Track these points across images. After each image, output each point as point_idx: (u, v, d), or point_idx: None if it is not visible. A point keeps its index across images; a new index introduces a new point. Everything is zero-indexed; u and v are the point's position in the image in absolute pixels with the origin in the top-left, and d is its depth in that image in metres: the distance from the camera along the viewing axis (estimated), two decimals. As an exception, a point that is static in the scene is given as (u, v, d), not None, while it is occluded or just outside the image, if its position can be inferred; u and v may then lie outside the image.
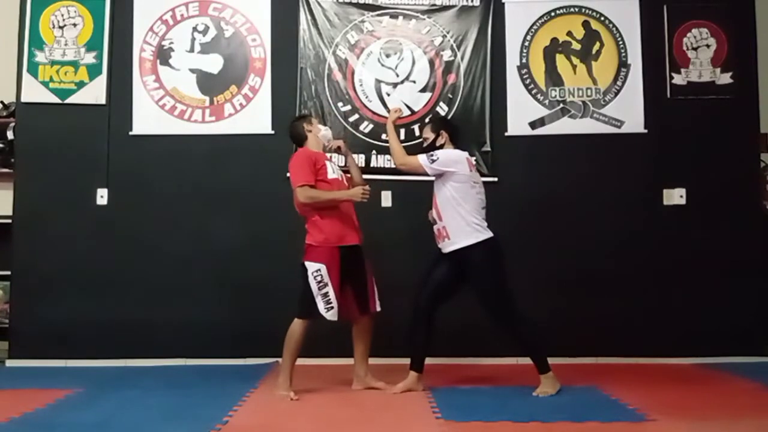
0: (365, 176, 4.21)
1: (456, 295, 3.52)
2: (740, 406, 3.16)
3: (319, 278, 3.34)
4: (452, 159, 3.48)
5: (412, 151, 4.05)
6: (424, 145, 3.67)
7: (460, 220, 3.41)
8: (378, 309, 3.54)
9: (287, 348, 3.37)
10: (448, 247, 3.46)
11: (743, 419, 2.89)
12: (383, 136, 4.33)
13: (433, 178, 3.53)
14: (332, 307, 3.33)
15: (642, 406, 3.05)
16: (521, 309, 3.45)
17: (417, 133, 4.31)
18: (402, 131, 4.32)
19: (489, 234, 3.45)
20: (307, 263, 3.38)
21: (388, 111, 4.35)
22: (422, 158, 3.49)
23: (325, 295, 3.33)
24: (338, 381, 3.66)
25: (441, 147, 3.59)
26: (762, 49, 4.43)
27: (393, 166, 4.29)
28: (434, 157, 3.46)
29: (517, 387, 3.53)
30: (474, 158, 4.31)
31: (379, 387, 3.49)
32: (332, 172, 3.55)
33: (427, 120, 4.21)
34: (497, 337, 4.18)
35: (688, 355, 4.20)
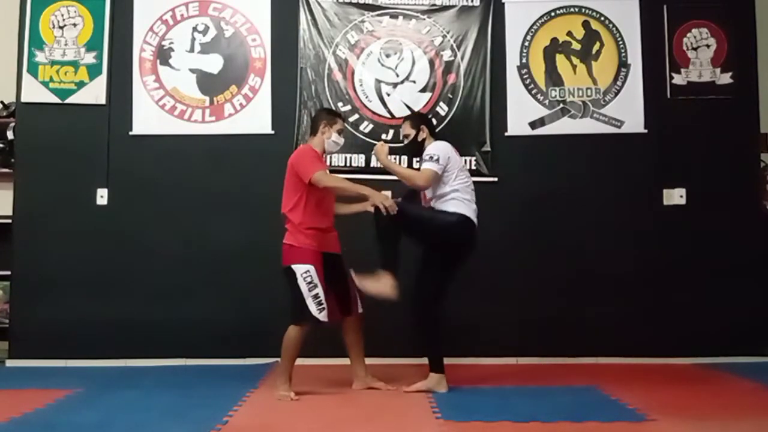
0: (365, 176, 4.23)
1: (452, 285, 3.48)
2: (740, 406, 3.16)
3: (308, 279, 3.31)
4: (446, 150, 3.48)
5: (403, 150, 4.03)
6: (405, 142, 3.66)
7: (453, 201, 3.41)
8: (361, 311, 3.52)
9: (285, 353, 3.35)
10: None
11: (743, 419, 2.89)
12: (383, 136, 4.34)
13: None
14: (324, 308, 3.32)
15: (642, 406, 3.04)
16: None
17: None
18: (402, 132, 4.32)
19: (471, 215, 3.42)
20: (294, 266, 3.34)
21: (388, 111, 4.38)
22: (428, 165, 3.42)
23: (316, 296, 3.31)
24: (338, 381, 3.65)
25: (423, 141, 3.57)
26: (762, 49, 4.43)
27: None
28: (434, 156, 3.42)
29: (517, 387, 3.53)
30: (474, 158, 4.35)
31: (379, 387, 3.49)
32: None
33: (404, 117, 4.04)
34: (497, 337, 4.20)
35: (688, 355, 4.19)
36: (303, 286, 3.31)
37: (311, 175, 3.33)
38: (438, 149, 3.47)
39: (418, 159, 3.70)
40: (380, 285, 3.29)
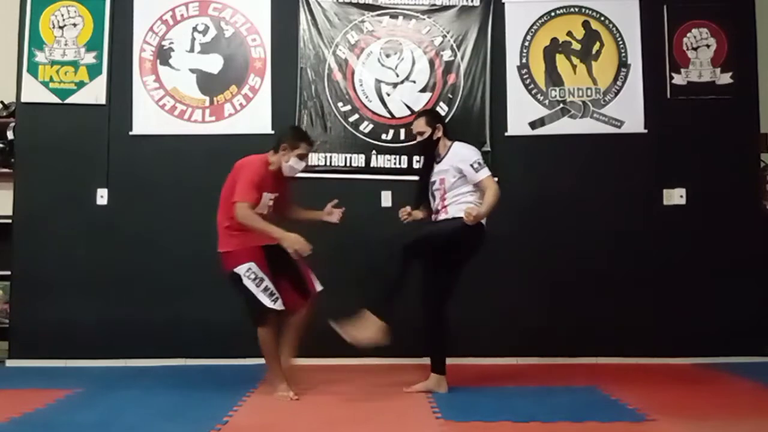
0: (365, 176, 4.24)
1: (456, 284, 3.47)
2: (740, 406, 3.17)
3: (252, 276, 3.29)
4: (479, 153, 3.49)
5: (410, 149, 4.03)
6: (419, 139, 3.57)
7: (467, 205, 3.36)
8: (320, 288, 3.47)
9: (266, 355, 3.36)
10: (440, 217, 3.44)
11: (743, 419, 2.89)
12: (383, 136, 4.34)
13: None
14: (277, 297, 3.30)
15: (642, 406, 3.05)
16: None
17: (417, 133, 4.32)
18: (402, 131, 4.32)
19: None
20: (235, 270, 3.32)
21: (388, 111, 4.37)
22: (484, 172, 3.38)
23: (266, 288, 3.29)
24: (338, 381, 3.66)
25: (438, 141, 3.53)
26: (762, 49, 4.43)
27: (393, 165, 4.34)
28: (479, 161, 3.40)
29: (517, 387, 3.53)
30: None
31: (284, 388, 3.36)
32: (263, 205, 3.39)
33: (417, 113, 3.97)
34: (497, 337, 4.21)
35: (688, 355, 4.19)
36: (250, 284, 3.30)
37: (237, 201, 3.27)
38: (474, 153, 3.46)
39: (420, 158, 3.67)
40: (367, 330, 3.17)
